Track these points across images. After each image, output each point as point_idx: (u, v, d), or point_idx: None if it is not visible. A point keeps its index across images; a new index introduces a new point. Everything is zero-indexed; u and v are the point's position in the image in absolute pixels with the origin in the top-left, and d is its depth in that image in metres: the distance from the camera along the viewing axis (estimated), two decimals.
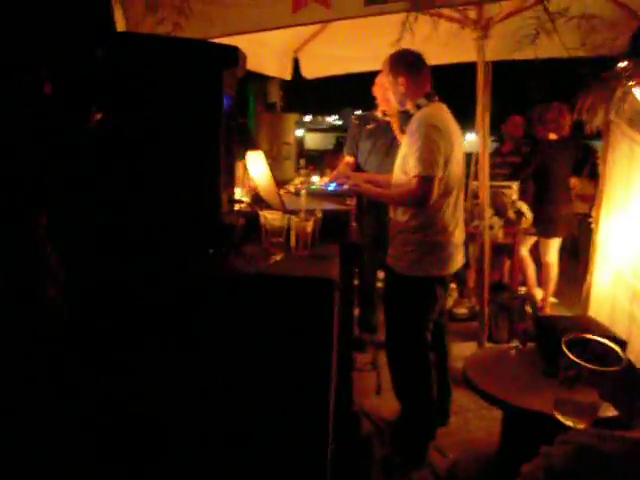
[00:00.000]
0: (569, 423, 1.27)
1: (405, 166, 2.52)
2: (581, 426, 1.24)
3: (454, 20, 3.24)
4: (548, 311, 4.87)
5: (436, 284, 2.59)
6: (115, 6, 2.41)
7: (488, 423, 3.07)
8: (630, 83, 4.09)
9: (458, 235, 2.63)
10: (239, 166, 2.75)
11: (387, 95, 2.81)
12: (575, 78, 4.83)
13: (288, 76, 4.70)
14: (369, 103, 3.86)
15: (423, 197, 2.39)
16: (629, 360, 1.23)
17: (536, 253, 4.97)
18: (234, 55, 1.69)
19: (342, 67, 4.87)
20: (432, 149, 2.38)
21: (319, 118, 33.94)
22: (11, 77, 1.66)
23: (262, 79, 5.65)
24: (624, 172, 4.35)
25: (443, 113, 2.57)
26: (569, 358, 1.26)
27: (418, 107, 2.57)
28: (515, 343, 2.69)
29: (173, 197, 1.73)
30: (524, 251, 4.88)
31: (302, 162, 5.08)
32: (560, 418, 1.29)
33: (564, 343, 1.29)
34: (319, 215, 1.98)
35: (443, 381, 2.83)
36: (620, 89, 4.21)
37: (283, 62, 4.59)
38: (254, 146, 4.37)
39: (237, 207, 2.12)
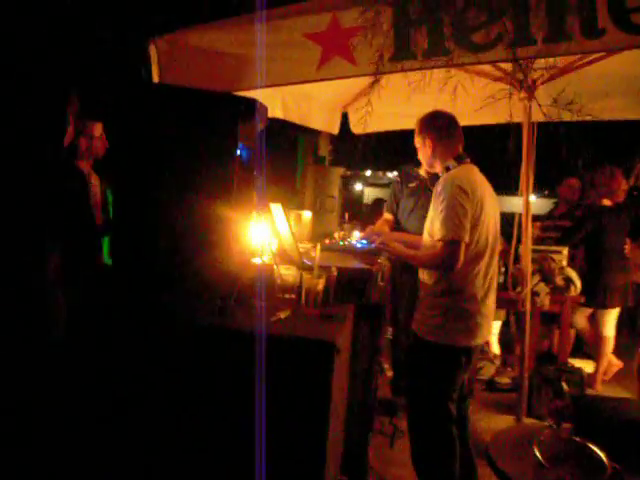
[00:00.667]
0: None
1: (431, 229, 2.43)
2: None
3: (500, 80, 3.17)
4: (599, 388, 4.54)
5: (460, 353, 2.43)
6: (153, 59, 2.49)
7: None
8: None
9: (489, 303, 2.49)
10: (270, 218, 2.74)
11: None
12: (629, 142, 4.66)
13: (336, 130, 4.72)
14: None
15: (449, 262, 2.28)
16: None
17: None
18: (250, 106, 1.69)
19: (388, 123, 4.86)
20: (457, 212, 2.28)
21: (380, 173, 34.18)
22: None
23: (312, 133, 5.73)
24: None
25: (472, 175, 2.48)
26: None
27: (447, 169, 2.51)
28: (549, 422, 2.46)
29: (181, 245, 1.70)
30: (583, 321, 4.60)
31: (347, 215, 5.04)
32: None
33: None
34: (334, 273, 1.91)
35: (466, 456, 2.62)
36: None
37: (332, 117, 4.63)
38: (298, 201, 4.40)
39: (254, 259, 2.08)
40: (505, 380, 4.51)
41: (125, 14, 4.01)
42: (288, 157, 5.88)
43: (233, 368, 1.52)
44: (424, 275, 2.47)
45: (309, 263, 2.15)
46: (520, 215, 3.57)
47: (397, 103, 4.54)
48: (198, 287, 1.68)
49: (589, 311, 4.57)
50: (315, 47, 2.30)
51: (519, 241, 3.58)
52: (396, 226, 3.85)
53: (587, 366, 4.57)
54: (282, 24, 2.40)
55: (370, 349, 2.18)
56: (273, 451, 1.47)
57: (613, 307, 4.45)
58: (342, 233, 3.80)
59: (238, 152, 1.71)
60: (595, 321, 4.61)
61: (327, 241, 3.20)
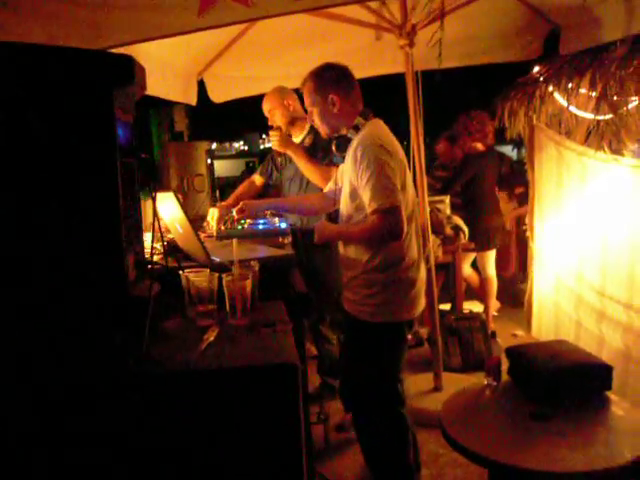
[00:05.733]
0: None
1: (355, 201, 2.11)
2: None
3: (377, 27, 2.93)
4: (492, 326, 4.67)
5: (405, 328, 2.21)
6: None
7: (464, 470, 2.73)
8: (549, 88, 4.00)
9: (423, 267, 2.28)
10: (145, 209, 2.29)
11: (309, 120, 2.36)
12: (489, 85, 4.75)
13: (194, 101, 4.24)
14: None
15: (394, 230, 1.98)
16: None
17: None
18: (128, 67, 1.23)
19: (251, 88, 4.49)
20: (388, 175, 1.99)
21: (226, 145, 33.44)
22: None
23: (166, 106, 5.16)
24: (553, 175, 4.24)
25: (385, 130, 2.20)
26: None
27: (356, 129, 2.17)
28: (488, 380, 2.35)
29: (53, 270, 1.24)
30: (468, 268, 4.66)
31: (218, 193, 4.63)
32: None
33: None
34: (256, 268, 1.56)
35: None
36: (538, 93, 4.13)
37: (188, 86, 4.14)
38: (160, 184, 3.92)
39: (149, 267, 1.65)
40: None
41: None
42: (140, 136, 5.28)
43: (169, 427, 1.13)
44: (354, 252, 2.16)
45: (218, 260, 1.77)
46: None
47: (259, 65, 4.19)
48: (90, 325, 1.24)
49: (472, 256, 4.66)
50: None
51: None
52: (264, 191, 3.56)
53: (476, 308, 4.69)
54: None
55: (303, 345, 1.86)
56: None
57: (494, 247, 4.57)
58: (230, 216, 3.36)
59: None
60: (478, 264, 4.71)
61: (209, 229, 2.77)
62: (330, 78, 2.18)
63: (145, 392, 1.14)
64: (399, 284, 2.14)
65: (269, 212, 2.96)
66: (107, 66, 1.21)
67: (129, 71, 1.22)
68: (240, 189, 3.36)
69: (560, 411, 2.10)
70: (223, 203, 3.05)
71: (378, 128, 2.17)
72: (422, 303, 2.27)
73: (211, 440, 1.14)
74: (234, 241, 1.66)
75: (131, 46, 2.36)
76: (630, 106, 3.45)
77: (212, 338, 1.31)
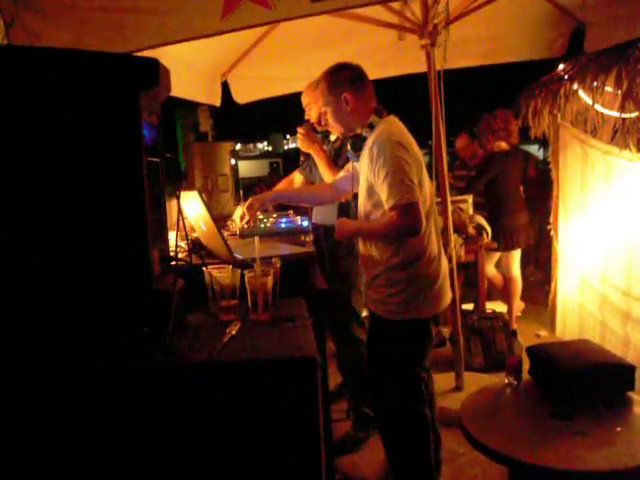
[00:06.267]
0: None
1: (372, 198, 2.12)
2: None
3: (398, 27, 2.95)
4: (515, 326, 4.64)
5: (430, 324, 2.20)
6: None
7: (483, 469, 2.73)
8: (574, 86, 3.96)
9: (444, 261, 2.27)
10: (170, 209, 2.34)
11: (325, 121, 2.36)
12: (514, 84, 4.72)
13: (218, 102, 4.30)
14: (294, 126, 3.43)
15: (413, 226, 1.98)
16: None
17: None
18: (153, 70, 1.28)
19: (274, 89, 4.54)
20: (405, 171, 1.99)
21: (250, 146, 33.67)
22: None
23: (191, 107, 5.24)
24: (577, 174, 4.20)
25: (401, 127, 2.21)
26: None
27: (370, 127, 2.17)
28: (509, 379, 2.35)
29: (82, 264, 1.29)
30: (492, 268, 4.64)
31: (241, 193, 4.68)
32: None
33: None
34: (277, 264, 1.59)
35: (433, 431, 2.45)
36: (563, 91, 4.09)
37: (212, 87, 4.21)
38: (186, 184, 3.97)
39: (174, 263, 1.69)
40: None
41: None
42: (166, 137, 5.36)
43: (188, 411, 1.17)
44: (374, 250, 2.17)
45: (241, 257, 1.81)
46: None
47: (281, 66, 4.23)
48: (117, 317, 1.29)
49: (496, 256, 4.63)
50: None
51: None
52: None
53: (499, 308, 4.66)
54: None
55: (323, 341, 1.89)
56: None
57: (519, 247, 4.54)
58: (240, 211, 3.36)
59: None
60: (502, 264, 4.68)
61: (233, 226, 2.81)
62: (343, 77, 2.18)
63: (168, 383, 1.18)
64: (422, 280, 2.14)
65: (292, 212, 2.99)
66: (133, 69, 1.26)
67: (154, 74, 1.27)
68: (277, 187, 3.32)
69: (581, 411, 2.10)
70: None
71: (393, 125, 2.17)
72: (447, 297, 2.26)
73: (230, 431, 1.18)
74: (256, 238, 1.69)
75: (156, 48, 2.42)
76: None
77: (234, 332, 1.35)
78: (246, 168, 22.25)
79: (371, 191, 2.11)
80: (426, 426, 2.26)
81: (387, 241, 2.12)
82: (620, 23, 3.54)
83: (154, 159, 1.45)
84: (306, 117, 3.02)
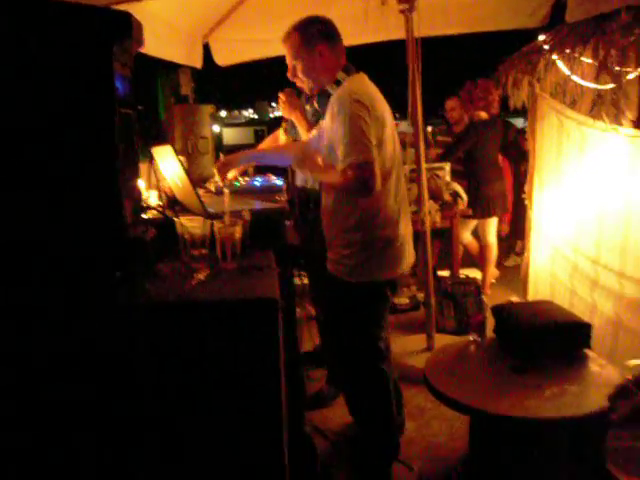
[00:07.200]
0: None
1: (332, 156, 2.10)
2: None
3: None
4: (489, 292, 4.76)
5: (386, 287, 2.23)
6: None
7: (450, 424, 2.86)
8: (553, 56, 4.00)
9: (406, 224, 2.28)
10: (147, 165, 2.38)
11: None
12: (498, 53, 4.74)
13: (199, 64, 4.28)
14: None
15: (364, 186, 1.96)
16: None
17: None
18: (126, 22, 1.32)
19: (257, 52, 4.51)
20: (363, 130, 1.98)
21: (235, 113, 33.25)
22: None
23: (171, 69, 5.21)
24: (553, 145, 4.26)
25: (367, 86, 2.18)
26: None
27: (337, 83, 2.15)
28: (473, 336, 2.46)
29: (59, 210, 1.34)
30: (468, 235, 4.73)
31: (222, 157, 4.70)
32: (623, 477, 1.02)
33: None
34: (247, 217, 1.65)
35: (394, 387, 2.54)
36: (542, 61, 4.13)
37: (193, 49, 4.18)
38: (164, 140, 3.97)
39: (147, 215, 1.75)
40: (404, 301, 4.56)
41: None
42: (146, 97, 5.32)
43: (156, 351, 1.24)
44: (332, 210, 2.19)
45: (212, 211, 1.87)
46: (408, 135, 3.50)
47: (263, 29, 4.21)
48: (91, 260, 1.34)
49: (473, 224, 4.72)
50: None
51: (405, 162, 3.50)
52: None
53: (473, 274, 4.77)
54: None
55: (292, 295, 1.97)
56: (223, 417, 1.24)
57: (495, 215, 4.63)
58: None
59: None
60: (478, 231, 4.78)
61: (212, 186, 2.85)
62: (316, 30, 2.16)
63: (138, 322, 1.25)
64: (376, 243, 2.14)
65: (271, 174, 3.01)
66: (106, 21, 1.29)
67: (127, 26, 1.30)
68: (262, 144, 3.22)
69: (539, 365, 2.21)
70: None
71: (358, 83, 2.15)
72: (405, 263, 2.26)
73: (194, 369, 1.26)
74: (226, 191, 1.74)
75: (135, 6, 2.41)
76: (631, 76, 3.46)
77: (202, 277, 1.41)
78: (231, 135, 22.06)
79: (331, 149, 2.10)
80: (385, 381, 2.32)
81: (344, 202, 2.13)
82: None
83: (127, 111, 1.49)
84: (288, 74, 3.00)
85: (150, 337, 1.25)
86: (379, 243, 2.15)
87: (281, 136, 3.22)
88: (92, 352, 1.28)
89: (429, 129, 5.51)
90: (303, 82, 2.27)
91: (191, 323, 1.25)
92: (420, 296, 4.40)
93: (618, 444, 1.09)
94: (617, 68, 3.48)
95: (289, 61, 2.26)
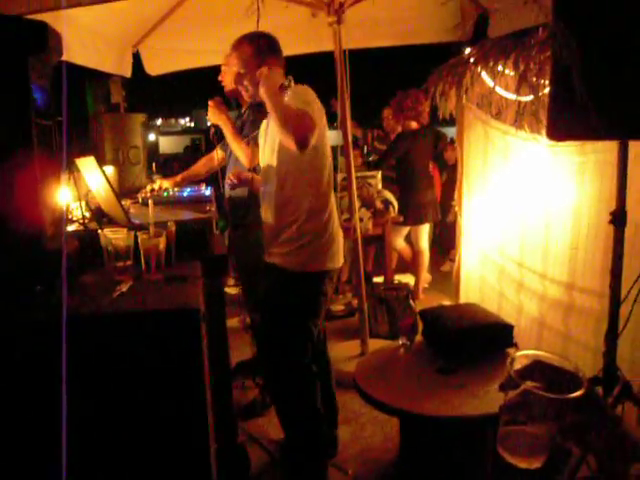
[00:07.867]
0: (520, 464, 1.07)
1: (282, 153, 2.19)
2: (534, 466, 1.05)
3: (306, 4, 3.02)
4: (422, 297, 4.90)
5: (328, 280, 2.32)
6: None
7: (383, 426, 2.92)
8: (478, 69, 4.18)
9: (341, 233, 2.40)
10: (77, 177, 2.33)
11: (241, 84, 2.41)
12: (425, 65, 4.90)
13: (128, 73, 4.21)
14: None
15: (305, 137, 1.97)
16: (589, 383, 1.07)
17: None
18: (41, 33, 1.30)
19: (188, 61, 4.49)
20: (309, 99, 2.10)
21: (172, 121, 32.78)
22: None
23: (102, 78, 5.10)
24: (480, 154, 4.45)
25: (311, 93, 2.24)
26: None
27: (282, 87, 2.19)
28: (402, 340, 2.53)
29: None
30: (401, 242, 4.84)
31: (154, 167, 4.64)
32: (508, 458, 1.09)
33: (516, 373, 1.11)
34: (172, 228, 1.65)
35: (327, 390, 2.57)
36: (469, 74, 4.30)
37: (122, 57, 4.11)
38: (91, 150, 3.88)
39: (71, 227, 1.72)
40: (339, 307, 4.63)
41: None
42: (75, 107, 5.19)
43: (79, 362, 1.22)
44: (277, 204, 2.26)
45: (137, 222, 1.86)
46: (339, 147, 3.56)
47: (195, 39, 4.20)
48: (7, 275, 1.32)
49: (405, 230, 4.84)
50: None
51: (336, 171, 3.57)
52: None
53: (407, 279, 4.90)
54: None
55: (221, 305, 1.97)
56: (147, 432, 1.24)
57: (427, 222, 4.77)
58: (153, 186, 3.35)
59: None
60: (411, 238, 4.91)
61: (142, 195, 2.83)
62: (266, 44, 2.32)
63: (57, 337, 1.23)
64: (324, 234, 2.27)
65: (204, 185, 3.03)
66: (20, 32, 1.27)
67: (42, 37, 1.29)
68: (193, 168, 3.32)
69: (464, 366, 2.30)
70: (169, 180, 3.10)
71: (305, 89, 2.22)
72: (340, 260, 2.38)
73: (115, 381, 1.25)
74: (150, 202, 1.74)
75: (61, 15, 2.37)
76: (547, 89, 3.66)
77: (124, 289, 1.41)
78: (167, 144, 21.73)
79: (274, 140, 2.20)
80: (310, 378, 2.34)
81: (293, 195, 2.23)
82: (521, 10, 3.76)
83: (45, 122, 1.47)
84: (220, 78, 3.06)
85: (70, 351, 1.23)
86: (327, 234, 2.28)
87: (217, 155, 3.24)
88: (10, 367, 1.25)
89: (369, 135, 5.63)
90: (247, 90, 2.36)
91: (112, 335, 1.24)
92: (355, 302, 4.47)
93: (508, 429, 1.18)
94: (535, 80, 3.69)
95: (235, 69, 2.36)
